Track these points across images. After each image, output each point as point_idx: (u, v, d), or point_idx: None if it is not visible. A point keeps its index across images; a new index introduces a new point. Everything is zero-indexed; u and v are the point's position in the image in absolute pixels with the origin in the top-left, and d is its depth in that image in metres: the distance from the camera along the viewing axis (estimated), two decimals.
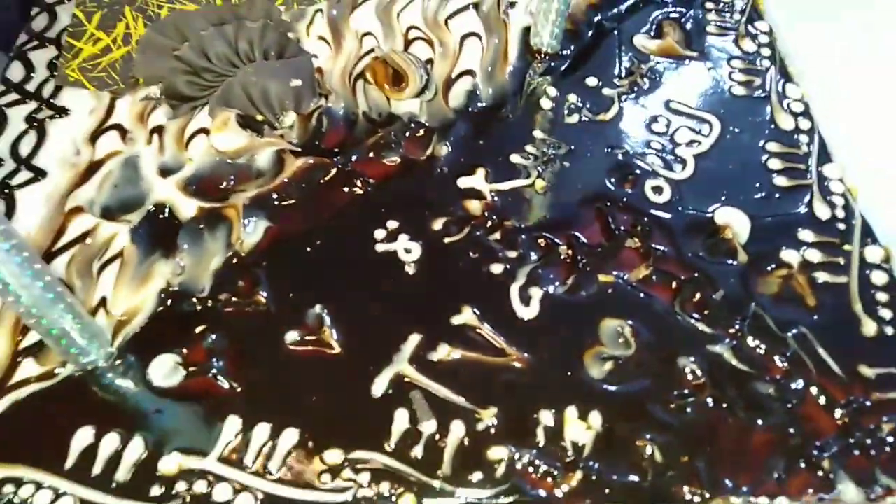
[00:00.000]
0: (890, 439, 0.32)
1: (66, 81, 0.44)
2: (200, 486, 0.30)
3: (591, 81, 0.45)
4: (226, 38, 0.44)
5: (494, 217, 0.39)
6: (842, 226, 0.39)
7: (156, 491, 0.30)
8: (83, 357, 0.33)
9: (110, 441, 0.31)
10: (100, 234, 0.38)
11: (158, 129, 0.42)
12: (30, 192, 0.39)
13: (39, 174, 0.40)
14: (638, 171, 0.41)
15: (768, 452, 0.31)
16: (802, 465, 0.31)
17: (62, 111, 0.43)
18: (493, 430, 0.32)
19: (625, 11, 0.49)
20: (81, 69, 0.44)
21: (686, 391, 0.33)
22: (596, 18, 0.48)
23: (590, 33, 0.48)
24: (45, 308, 0.29)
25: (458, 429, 0.32)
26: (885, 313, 0.35)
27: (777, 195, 0.40)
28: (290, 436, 0.32)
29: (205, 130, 0.42)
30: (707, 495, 0.31)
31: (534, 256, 0.37)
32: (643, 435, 0.32)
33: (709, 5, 0.49)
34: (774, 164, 0.41)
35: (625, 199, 0.39)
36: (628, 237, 0.38)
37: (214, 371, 0.33)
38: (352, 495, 0.30)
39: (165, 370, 0.33)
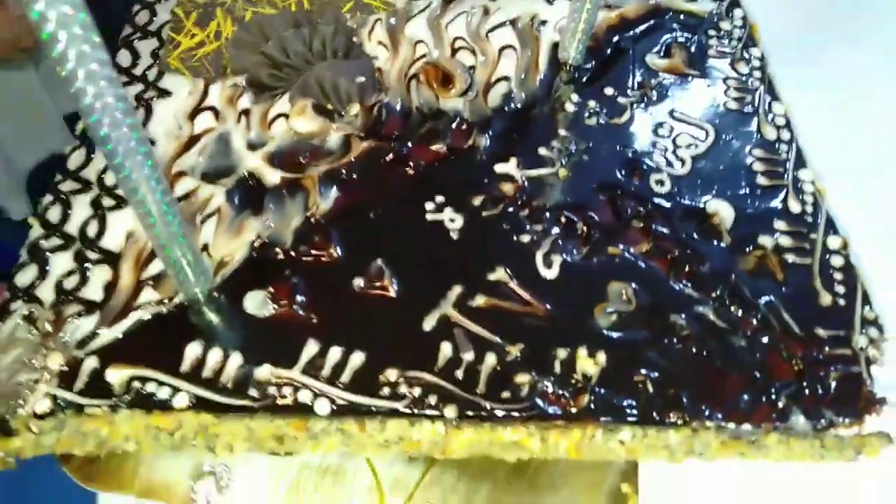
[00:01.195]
0: (834, 384, 0.40)
1: (168, 68, 0.52)
2: (287, 391, 0.38)
3: (609, 91, 0.53)
4: (302, 39, 0.53)
5: (524, 197, 0.47)
6: (810, 219, 0.46)
7: (253, 392, 0.38)
8: (194, 287, 0.41)
9: (215, 353, 0.39)
10: (200, 194, 0.46)
11: (245, 112, 0.50)
12: None
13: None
14: (644, 167, 0.49)
15: (738, 390, 0.39)
16: (764, 400, 0.39)
17: (165, 93, 0.51)
18: (518, 361, 0.40)
19: (639, 34, 0.57)
20: (181, 59, 0.53)
21: (675, 340, 0.41)
22: (614, 38, 0.57)
23: (609, 50, 0.56)
24: (172, 239, 0.37)
25: (490, 359, 0.40)
26: (840, 289, 0.43)
27: (758, 192, 0.48)
28: (358, 357, 0.40)
29: (284, 115, 0.50)
30: (687, 419, 0.39)
31: (555, 230, 0.45)
32: (639, 371, 0.40)
33: (711, 32, 0.57)
34: (758, 166, 0.49)
35: (632, 189, 0.48)
36: (634, 219, 0.46)
37: (297, 305, 0.41)
38: (405, 404, 0.38)
39: (257, 302, 0.41)
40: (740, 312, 0.42)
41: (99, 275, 0.42)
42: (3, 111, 1.06)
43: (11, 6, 0.97)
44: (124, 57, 0.54)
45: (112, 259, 0.43)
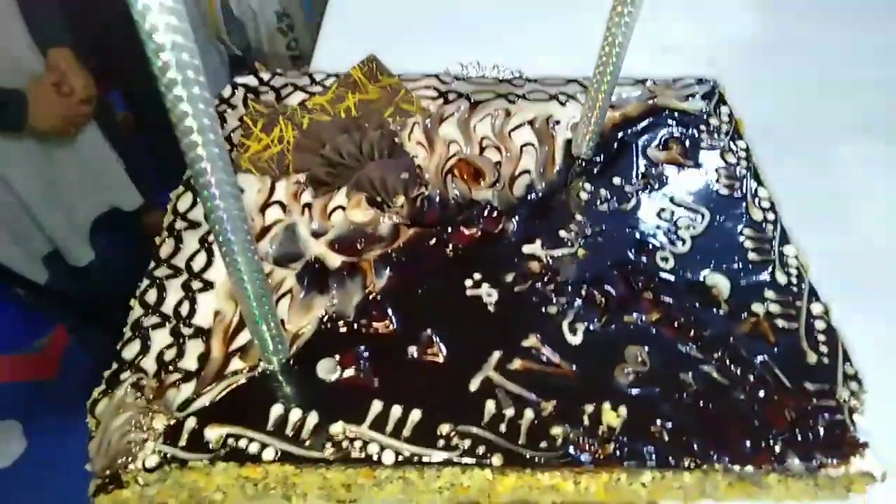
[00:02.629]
0: (822, 431, 0.46)
1: (240, 168, 0.61)
2: (357, 444, 0.45)
3: (616, 180, 0.62)
4: (353, 142, 0.62)
5: (549, 274, 0.55)
6: (795, 289, 0.54)
7: (328, 446, 0.45)
8: (274, 356, 0.48)
9: (295, 413, 0.46)
10: (274, 277, 0.54)
11: (308, 205, 0.59)
12: None
13: None
14: (650, 246, 0.57)
15: (741, 437, 0.46)
16: (763, 446, 0.46)
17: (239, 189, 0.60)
18: (552, 415, 0.47)
19: (640, 130, 0.67)
20: (250, 160, 0.62)
21: (685, 395, 0.48)
22: (619, 135, 0.66)
23: (615, 145, 0.65)
24: (263, 310, 0.45)
25: (528, 413, 0.47)
26: (823, 349, 0.50)
27: (750, 266, 0.56)
28: (416, 414, 0.47)
29: (342, 207, 0.59)
30: (698, 462, 0.45)
31: (578, 302, 0.53)
32: (655, 422, 0.46)
33: (702, 127, 0.67)
34: (748, 244, 0.57)
35: (641, 265, 0.56)
36: (644, 291, 0.54)
37: (361, 371, 0.49)
38: (457, 454, 0.45)
39: (327, 369, 0.49)
40: (739, 370, 0.49)
41: (193, 348, 0.49)
42: (70, 163, 1.17)
43: (77, 90, 1.09)
44: None
45: (203, 334, 0.50)
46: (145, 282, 0.54)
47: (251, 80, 0.69)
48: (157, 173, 1.90)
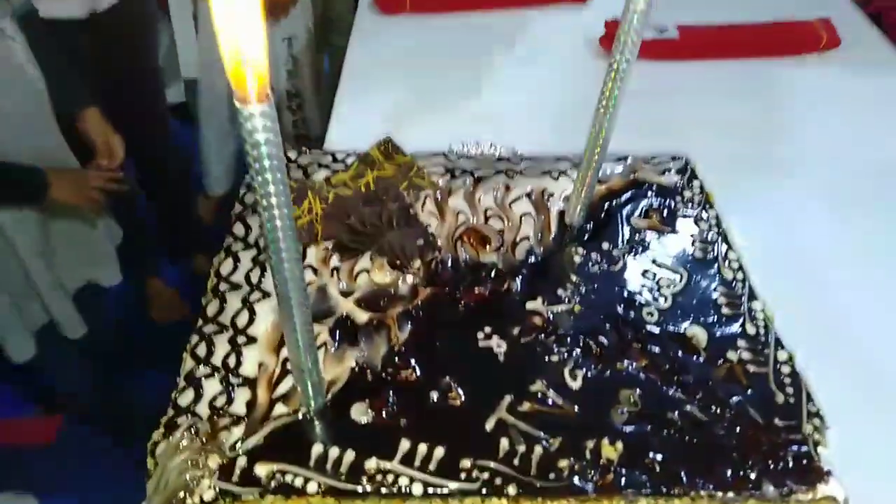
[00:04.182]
0: (791, 461, 0.54)
1: None
2: (390, 478, 0.52)
3: (605, 245, 0.71)
4: (375, 213, 0.70)
5: (550, 327, 0.62)
6: (763, 338, 0.62)
7: (364, 479, 0.51)
8: (313, 402, 0.55)
9: (334, 451, 0.53)
10: None
11: (336, 269, 0.67)
12: (261, 305, 0.63)
13: (266, 294, 0.64)
14: (637, 302, 0.65)
15: (722, 467, 0.53)
16: (741, 474, 0.53)
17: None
18: (559, 450, 0.53)
19: (624, 201, 0.76)
20: None
21: (672, 431, 0.55)
22: (606, 205, 0.75)
23: (602, 214, 0.74)
24: (309, 359, 0.52)
25: (538, 449, 0.53)
26: (789, 390, 0.58)
27: (723, 319, 0.64)
28: (440, 450, 0.53)
29: (366, 270, 0.67)
30: (686, 490, 0.52)
31: (576, 351, 0.60)
32: (648, 455, 0.54)
33: (677, 198, 0.76)
34: (721, 300, 0.66)
35: (630, 319, 0.64)
36: (633, 342, 0.62)
37: (390, 413, 0.55)
38: (477, 486, 0.52)
39: (360, 412, 0.55)
40: (718, 409, 0.57)
41: (241, 395, 0.56)
42: (61, 236, 1.21)
43: (115, 150, 1.16)
44: (238, 229, 0.71)
45: (250, 383, 0.57)
46: (195, 337, 0.60)
47: None
48: (163, 245, 1.97)
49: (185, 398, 0.56)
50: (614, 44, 0.59)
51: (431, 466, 0.52)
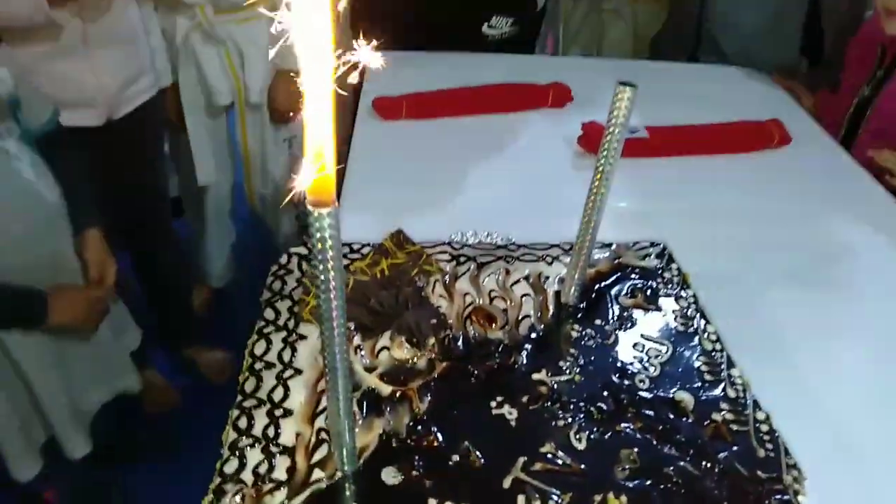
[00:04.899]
0: None
1: (302, 319, 0.77)
2: None
3: (598, 321, 0.79)
4: (392, 296, 0.79)
5: (555, 395, 0.70)
6: (742, 401, 0.70)
7: None
8: (348, 466, 0.61)
9: None
10: None
11: (358, 347, 0.74)
12: (294, 382, 0.70)
13: (298, 371, 0.71)
14: (630, 371, 0.73)
15: None
16: None
17: (302, 336, 0.75)
18: None
19: (611, 282, 0.85)
20: (310, 312, 0.77)
21: (669, 485, 0.62)
22: (596, 286, 0.84)
23: (593, 294, 0.83)
24: (347, 426, 0.58)
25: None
26: (769, 446, 0.66)
27: (706, 385, 0.72)
28: None
29: (386, 347, 0.74)
30: None
31: (580, 416, 0.68)
32: None
33: (658, 280, 0.86)
34: (703, 368, 0.74)
35: (624, 386, 0.71)
36: (629, 407, 0.69)
37: (417, 476, 0.61)
38: None
39: (390, 474, 0.61)
40: (708, 464, 0.64)
41: (281, 462, 0.62)
42: (73, 350, 1.23)
43: (107, 278, 1.19)
44: (269, 313, 0.78)
45: (288, 451, 0.63)
46: (236, 412, 0.67)
47: (302, 250, 0.87)
48: (159, 337, 2.00)
49: (230, 466, 0.62)
50: (599, 149, 0.70)
51: None
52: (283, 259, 0.86)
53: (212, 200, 1.96)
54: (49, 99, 1.14)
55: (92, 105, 1.36)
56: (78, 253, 1.13)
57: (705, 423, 0.68)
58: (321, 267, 0.48)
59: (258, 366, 0.71)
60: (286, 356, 0.72)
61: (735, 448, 0.66)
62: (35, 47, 1.23)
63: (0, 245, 0.97)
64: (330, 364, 0.54)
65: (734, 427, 0.67)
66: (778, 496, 0.62)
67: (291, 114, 1.77)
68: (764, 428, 0.68)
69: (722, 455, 0.65)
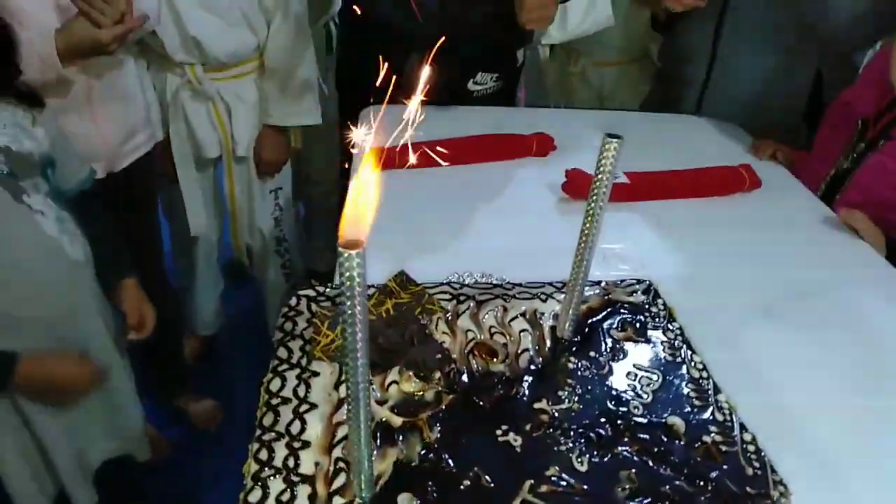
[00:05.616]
0: None
1: (314, 357, 0.81)
2: None
3: (592, 353, 0.84)
4: (398, 334, 0.83)
5: (556, 423, 0.74)
6: (730, 424, 0.75)
7: None
8: (365, 493, 0.65)
9: None
10: None
11: (369, 381, 0.78)
12: (311, 415, 0.73)
13: (313, 406, 0.75)
14: (624, 399, 0.78)
15: None
16: None
17: (315, 373, 0.79)
18: None
19: (602, 317, 0.91)
20: (322, 351, 0.82)
21: (667, 502, 0.66)
22: (589, 321, 0.90)
23: (586, 329, 0.89)
24: (366, 454, 0.62)
25: None
26: (756, 464, 0.71)
27: (695, 410, 0.77)
28: None
29: (395, 381, 0.78)
30: None
31: (580, 441, 0.72)
32: None
33: (646, 314, 0.92)
34: (692, 394, 0.79)
35: (620, 413, 0.76)
36: (626, 431, 0.74)
37: (432, 499, 0.65)
38: None
39: (405, 500, 0.65)
40: (701, 482, 0.69)
41: (303, 491, 0.65)
42: (84, 409, 1.24)
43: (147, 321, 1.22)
44: (282, 352, 0.82)
45: (309, 480, 0.66)
46: (256, 445, 0.70)
47: (311, 292, 0.92)
48: (151, 387, 2.00)
49: (255, 496, 0.65)
50: (589, 195, 0.76)
51: None
52: (293, 301, 0.90)
53: (201, 250, 2.00)
54: (83, 159, 1.19)
55: (95, 158, 1.41)
56: (116, 302, 1.17)
57: (696, 444, 0.73)
58: (349, 303, 0.53)
59: (274, 401, 0.75)
60: (301, 392, 0.76)
61: (725, 467, 0.70)
62: None
63: (19, 297, 1.00)
64: (353, 394, 0.58)
65: (723, 448, 0.73)
66: None
67: (277, 166, 1.84)
68: (751, 448, 0.73)
69: (713, 474, 0.70)
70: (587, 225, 0.79)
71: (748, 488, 0.68)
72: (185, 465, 1.94)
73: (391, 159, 1.45)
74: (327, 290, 0.93)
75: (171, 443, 1.99)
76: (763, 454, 0.72)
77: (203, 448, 2.01)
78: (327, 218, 2.42)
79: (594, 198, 0.76)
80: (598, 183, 0.75)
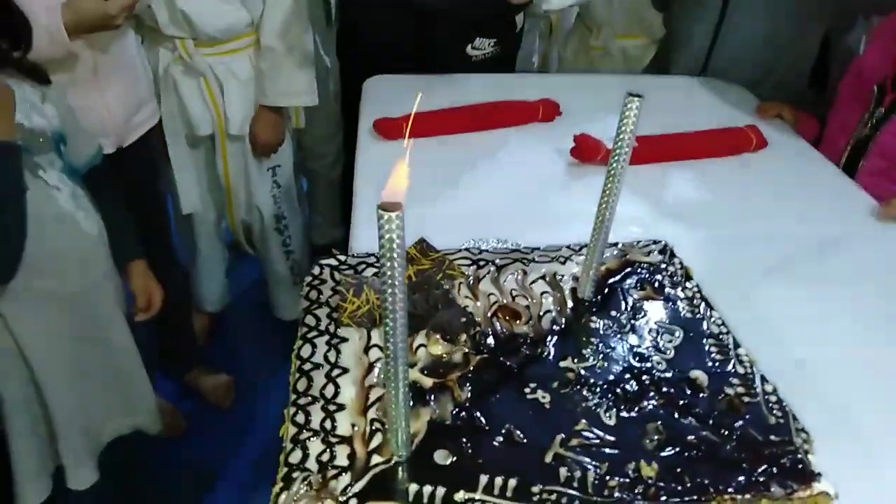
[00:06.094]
0: (789, 467, 0.67)
1: (341, 324, 0.82)
2: None
3: (613, 313, 0.86)
4: (423, 299, 0.85)
5: (582, 380, 0.76)
6: (751, 376, 0.78)
7: None
8: (401, 451, 0.67)
9: (427, 488, 0.64)
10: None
11: None
12: (343, 379, 0.75)
13: (345, 370, 0.76)
14: (647, 355, 0.80)
15: (738, 475, 0.66)
16: (753, 480, 0.66)
17: (343, 339, 0.80)
18: (607, 472, 0.66)
19: (621, 277, 0.92)
20: (349, 317, 0.83)
21: (694, 451, 0.68)
22: (609, 281, 0.91)
23: (606, 289, 0.90)
24: (403, 411, 0.64)
25: (590, 474, 0.65)
26: (778, 413, 0.73)
27: (717, 363, 0.79)
28: (513, 481, 0.65)
29: (423, 345, 0.80)
30: (713, 494, 0.65)
31: (608, 396, 0.74)
32: (677, 471, 0.66)
33: (663, 273, 0.93)
34: (712, 349, 0.81)
35: (644, 369, 0.78)
36: (650, 386, 0.76)
37: (467, 455, 0.67)
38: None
39: (441, 456, 0.67)
40: (726, 432, 0.71)
41: (342, 451, 0.67)
42: (94, 379, 1.26)
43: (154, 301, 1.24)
44: (310, 320, 0.83)
45: (347, 441, 0.68)
46: (293, 409, 0.72)
47: (332, 262, 0.93)
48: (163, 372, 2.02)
49: (295, 457, 0.67)
50: (611, 155, 0.77)
51: (509, 494, 0.64)
52: (317, 270, 0.91)
53: (202, 228, 2.00)
54: (92, 136, 1.19)
55: (104, 134, 1.41)
56: (125, 282, 1.19)
57: (720, 396, 0.75)
58: (388, 263, 0.55)
59: (307, 367, 0.77)
60: (332, 357, 0.78)
61: (748, 417, 0.73)
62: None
63: (38, 271, 1.01)
64: (392, 353, 0.60)
65: (746, 399, 0.75)
66: (791, 456, 0.68)
67: (273, 147, 1.82)
68: (773, 399, 0.75)
69: (737, 424, 0.72)
70: (608, 185, 0.80)
71: (772, 436, 0.70)
72: (200, 440, 1.98)
73: (397, 130, 1.46)
74: (348, 258, 0.94)
75: (186, 418, 2.02)
76: (784, 404, 0.74)
77: (216, 422, 2.04)
78: (330, 191, 2.42)
79: (616, 157, 0.77)
80: (619, 142, 0.76)
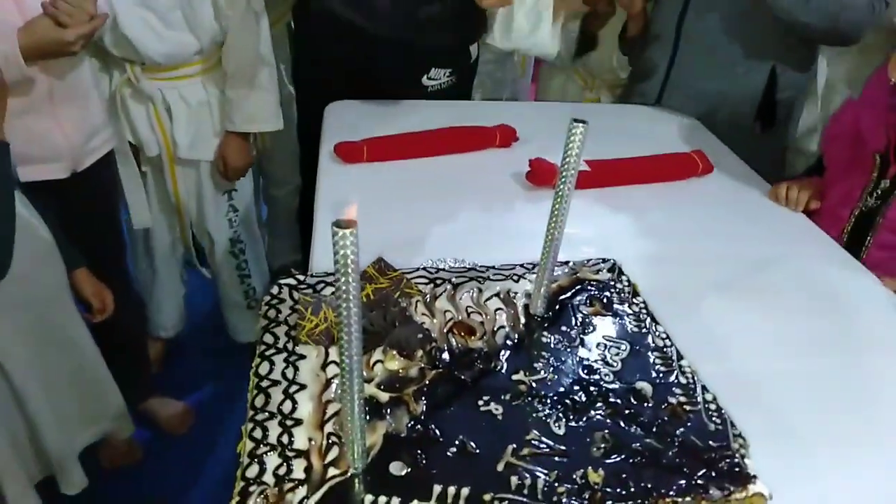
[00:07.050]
0: (727, 470, 0.71)
1: (299, 342, 0.84)
2: None
3: (563, 328, 0.89)
4: (380, 316, 0.87)
5: (533, 392, 0.79)
6: (692, 386, 0.81)
7: None
8: (357, 464, 0.68)
9: (382, 499, 0.65)
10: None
11: None
12: (300, 395, 0.76)
13: (302, 386, 0.78)
14: (595, 368, 0.83)
15: (678, 479, 0.70)
16: (693, 483, 0.69)
17: (301, 356, 0.82)
18: (556, 480, 0.69)
19: (571, 294, 0.96)
20: (307, 335, 0.84)
21: (638, 458, 0.72)
22: (559, 297, 0.95)
23: (557, 305, 0.94)
24: (358, 424, 0.66)
25: (540, 482, 0.68)
26: (717, 420, 0.77)
27: (661, 375, 0.83)
28: (465, 490, 0.67)
29: (380, 360, 0.82)
30: (655, 498, 0.68)
31: (558, 408, 0.77)
32: (622, 477, 0.70)
33: (611, 290, 0.97)
34: (657, 361, 0.85)
35: (592, 381, 0.82)
36: (598, 397, 0.79)
37: (421, 467, 0.69)
38: None
39: (397, 468, 0.69)
40: (669, 439, 0.74)
41: (298, 464, 0.68)
42: (69, 385, 1.25)
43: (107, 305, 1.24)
44: (268, 338, 0.85)
45: (304, 454, 0.69)
46: (250, 424, 0.73)
47: (291, 281, 0.94)
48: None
49: (252, 471, 0.68)
50: (558, 178, 0.81)
51: (462, 502, 0.66)
52: (275, 289, 0.93)
53: (157, 250, 1.99)
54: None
55: (58, 160, 1.41)
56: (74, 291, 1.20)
57: (663, 405, 0.79)
58: (343, 279, 0.57)
59: (265, 384, 0.78)
60: (290, 374, 0.79)
61: (689, 424, 0.76)
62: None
63: (9, 275, 1.01)
64: (347, 367, 0.62)
65: (687, 407, 0.78)
66: (728, 460, 0.72)
67: (243, 171, 1.84)
68: (713, 407, 0.79)
69: (679, 431, 0.75)
70: (556, 206, 0.84)
71: (711, 442, 0.74)
72: (156, 470, 1.94)
73: (358, 153, 1.49)
74: (308, 278, 0.96)
75: (142, 447, 1.98)
76: (723, 411, 0.78)
77: (173, 451, 2.00)
78: (291, 218, 2.42)
79: (563, 180, 0.81)
80: (566, 165, 0.80)
